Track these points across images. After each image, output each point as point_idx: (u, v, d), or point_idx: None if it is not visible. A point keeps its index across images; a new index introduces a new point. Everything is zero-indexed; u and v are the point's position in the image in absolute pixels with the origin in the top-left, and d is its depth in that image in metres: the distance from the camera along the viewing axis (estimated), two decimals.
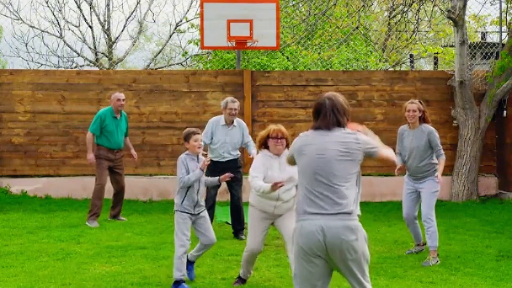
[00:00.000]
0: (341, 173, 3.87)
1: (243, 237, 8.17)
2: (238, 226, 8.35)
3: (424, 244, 7.34)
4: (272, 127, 5.77)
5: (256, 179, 5.57)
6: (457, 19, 10.83)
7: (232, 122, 8.35)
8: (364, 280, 3.94)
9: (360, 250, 3.85)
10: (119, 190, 9.43)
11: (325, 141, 3.93)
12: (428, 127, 7.04)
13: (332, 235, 3.78)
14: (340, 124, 3.98)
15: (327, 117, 3.97)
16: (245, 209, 8.10)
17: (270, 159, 5.69)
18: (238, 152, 8.49)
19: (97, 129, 9.17)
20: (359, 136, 3.98)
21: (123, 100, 9.39)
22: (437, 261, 6.85)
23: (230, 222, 8.88)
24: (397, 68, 17.97)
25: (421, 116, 7.05)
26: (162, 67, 19.69)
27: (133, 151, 9.63)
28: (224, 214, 9.67)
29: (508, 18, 12.10)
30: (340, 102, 4.01)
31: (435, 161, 7.06)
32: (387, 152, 4.11)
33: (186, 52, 18.49)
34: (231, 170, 8.15)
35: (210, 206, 8.05)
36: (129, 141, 9.69)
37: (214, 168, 7.93)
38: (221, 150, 8.26)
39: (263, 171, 5.62)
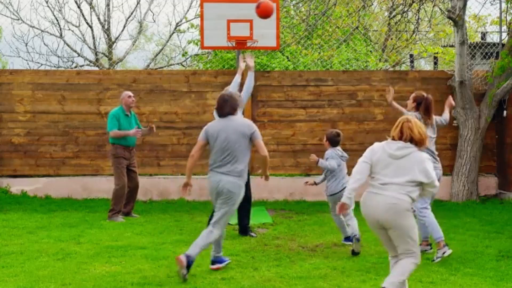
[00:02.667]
0: None
1: (253, 234, 8.22)
2: (246, 223, 8.34)
3: (430, 244, 7.29)
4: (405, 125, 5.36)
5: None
6: (457, 19, 10.83)
7: None
8: None
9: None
10: (133, 188, 9.65)
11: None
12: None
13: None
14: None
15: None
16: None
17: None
18: None
19: (116, 124, 9.36)
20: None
21: (134, 96, 9.68)
22: (445, 252, 6.78)
23: (230, 222, 8.86)
24: (397, 68, 17.95)
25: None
26: (162, 67, 19.66)
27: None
28: None
29: (508, 18, 12.09)
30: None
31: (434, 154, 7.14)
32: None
33: (186, 52, 18.47)
34: None
35: None
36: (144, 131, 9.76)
37: None
38: None
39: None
